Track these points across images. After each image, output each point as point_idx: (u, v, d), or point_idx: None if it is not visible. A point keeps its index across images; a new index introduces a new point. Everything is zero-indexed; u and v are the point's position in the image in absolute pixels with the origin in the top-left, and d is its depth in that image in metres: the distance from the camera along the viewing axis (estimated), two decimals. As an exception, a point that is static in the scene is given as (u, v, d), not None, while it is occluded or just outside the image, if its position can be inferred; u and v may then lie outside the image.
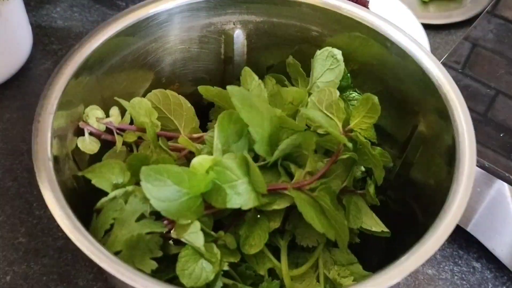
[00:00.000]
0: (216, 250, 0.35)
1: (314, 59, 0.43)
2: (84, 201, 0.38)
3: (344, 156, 0.39)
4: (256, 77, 0.43)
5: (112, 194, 0.36)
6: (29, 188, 0.55)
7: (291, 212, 0.39)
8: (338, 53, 0.42)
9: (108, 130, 0.40)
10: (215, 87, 0.41)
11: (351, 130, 0.40)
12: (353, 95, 0.45)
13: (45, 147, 0.34)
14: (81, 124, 0.38)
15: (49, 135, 0.35)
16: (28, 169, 0.57)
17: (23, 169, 0.57)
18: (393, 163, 0.45)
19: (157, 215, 0.34)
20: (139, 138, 0.41)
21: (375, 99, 0.38)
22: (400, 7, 0.72)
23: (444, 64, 0.55)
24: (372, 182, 0.42)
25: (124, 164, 0.37)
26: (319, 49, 0.43)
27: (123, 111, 0.41)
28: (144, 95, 0.45)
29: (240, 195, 0.35)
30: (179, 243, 0.35)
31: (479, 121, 0.50)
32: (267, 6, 0.44)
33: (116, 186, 0.36)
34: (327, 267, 0.41)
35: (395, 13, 0.69)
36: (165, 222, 0.35)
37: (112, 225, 0.35)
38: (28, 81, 0.65)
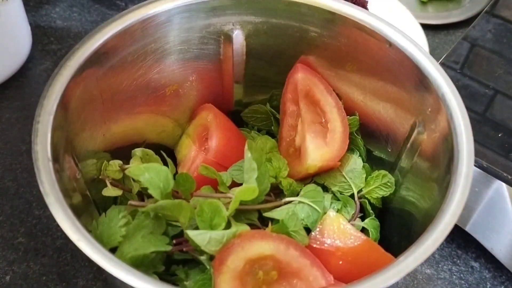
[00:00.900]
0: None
1: None
2: (84, 201, 0.38)
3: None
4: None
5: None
6: (28, 188, 0.55)
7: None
8: None
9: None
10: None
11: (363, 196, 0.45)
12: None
13: (45, 147, 0.34)
14: (102, 176, 0.42)
15: (49, 135, 0.35)
16: (27, 169, 0.57)
17: (22, 169, 0.57)
18: (392, 161, 0.45)
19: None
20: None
21: (391, 178, 0.44)
22: (399, 7, 0.72)
23: (442, 64, 0.55)
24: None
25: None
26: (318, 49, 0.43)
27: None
28: (142, 97, 0.45)
29: None
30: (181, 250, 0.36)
31: (478, 121, 0.50)
32: (266, 7, 0.44)
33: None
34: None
35: (393, 13, 0.70)
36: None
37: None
38: (27, 81, 0.65)
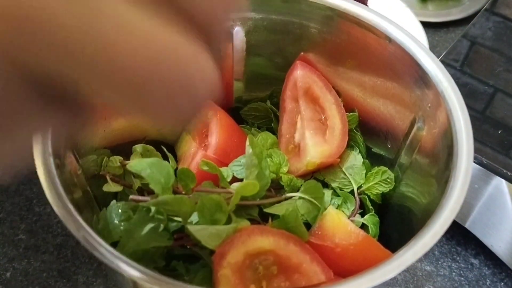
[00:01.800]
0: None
1: None
2: (85, 196, 0.38)
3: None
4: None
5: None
6: (28, 185, 0.55)
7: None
8: None
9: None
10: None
11: (363, 193, 0.45)
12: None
13: (45, 142, 0.34)
14: (102, 172, 0.42)
15: (49, 130, 0.35)
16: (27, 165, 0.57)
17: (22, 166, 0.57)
18: (391, 157, 0.45)
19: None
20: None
21: (391, 174, 0.44)
22: (399, 5, 0.72)
23: (442, 62, 0.55)
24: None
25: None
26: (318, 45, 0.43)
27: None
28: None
29: None
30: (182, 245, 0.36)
31: (478, 118, 0.50)
32: (266, 3, 0.44)
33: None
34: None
35: (393, 11, 0.70)
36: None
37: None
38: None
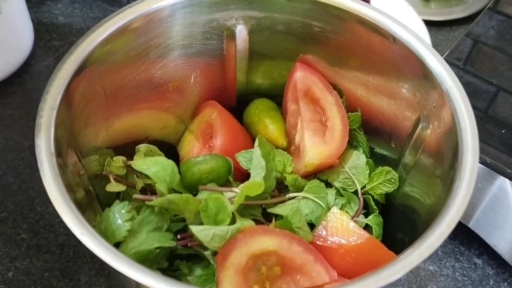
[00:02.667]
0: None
1: None
2: (88, 196, 0.38)
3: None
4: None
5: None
6: (31, 184, 0.55)
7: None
8: None
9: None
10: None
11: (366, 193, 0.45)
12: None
13: (48, 141, 0.34)
14: (105, 172, 0.42)
15: (52, 130, 0.35)
16: (30, 165, 0.57)
17: (25, 165, 0.57)
18: (395, 157, 0.45)
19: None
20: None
21: (395, 174, 0.44)
22: (402, 3, 0.72)
23: (445, 60, 0.54)
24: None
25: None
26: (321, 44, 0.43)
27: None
28: (145, 92, 0.45)
29: None
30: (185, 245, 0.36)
31: (481, 117, 0.50)
32: (269, 1, 0.44)
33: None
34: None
35: (396, 9, 0.69)
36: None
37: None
38: (29, 78, 0.65)
